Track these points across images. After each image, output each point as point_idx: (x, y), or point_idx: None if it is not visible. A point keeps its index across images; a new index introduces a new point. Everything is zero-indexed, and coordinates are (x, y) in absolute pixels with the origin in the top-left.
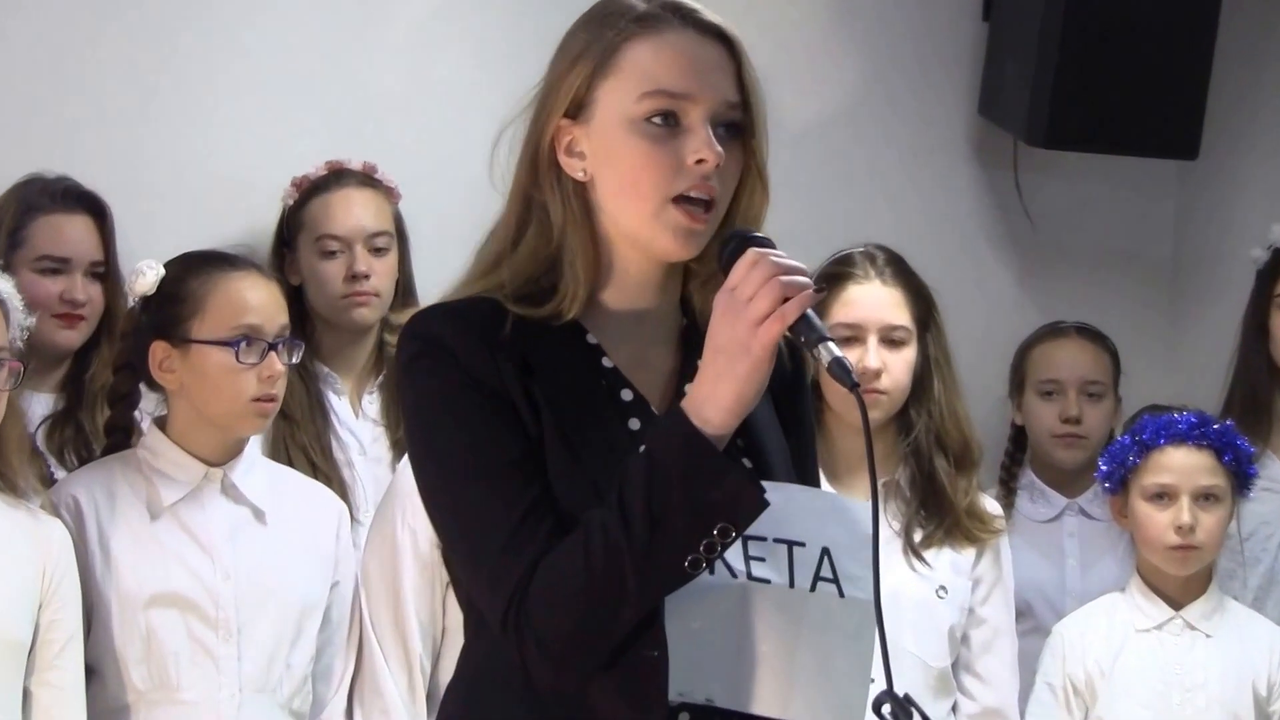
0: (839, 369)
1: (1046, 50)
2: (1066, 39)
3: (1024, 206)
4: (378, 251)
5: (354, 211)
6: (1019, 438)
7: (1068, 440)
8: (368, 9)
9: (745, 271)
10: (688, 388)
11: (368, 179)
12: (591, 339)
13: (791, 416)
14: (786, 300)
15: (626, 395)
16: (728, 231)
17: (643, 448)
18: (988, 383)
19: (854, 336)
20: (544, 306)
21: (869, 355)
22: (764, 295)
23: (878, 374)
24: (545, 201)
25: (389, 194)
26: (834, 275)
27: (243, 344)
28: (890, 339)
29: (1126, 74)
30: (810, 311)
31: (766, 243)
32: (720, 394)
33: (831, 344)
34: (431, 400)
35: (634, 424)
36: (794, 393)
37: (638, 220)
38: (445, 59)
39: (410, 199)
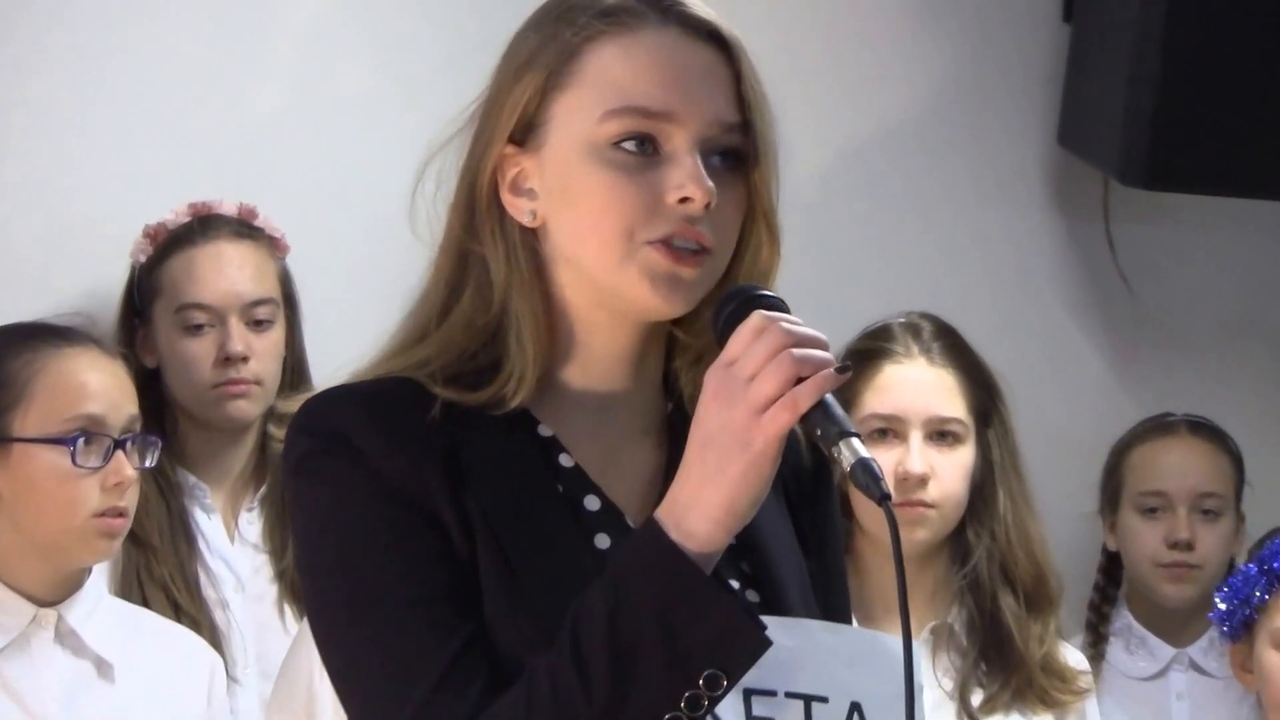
0: (864, 474)
1: (1145, 62)
2: (1171, 47)
3: (1117, 265)
4: (258, 325)
5: (227, 273)
6: (1112, 568)
7: (1176, 571)
8: (246, 6)
9: (748, 341)
10: None
11: (245, 227)
12: (545, 431)
13: (812, 527)
14: (800, 381)
15: (592, 504)
16: (726, 290)
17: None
18: (1071, 495)
19: (892, 431)
20: (482, 390)
21: (911, 456)
22: (771, 373)
23: (923, 481)
24: (484, 254)
25: (273, 246)
26: (867, 352)
27: (80, 441)
28: (940, 435)
29: (1248, 93)
30: (830, 398)
31: (777, 304)
32: (707, 500)
33: (856, 440)
34: (330, 513)
35: (601, 541)
36: (815, 496)
37: (601, 271)
38: (347, 70)
39: (301, 252)
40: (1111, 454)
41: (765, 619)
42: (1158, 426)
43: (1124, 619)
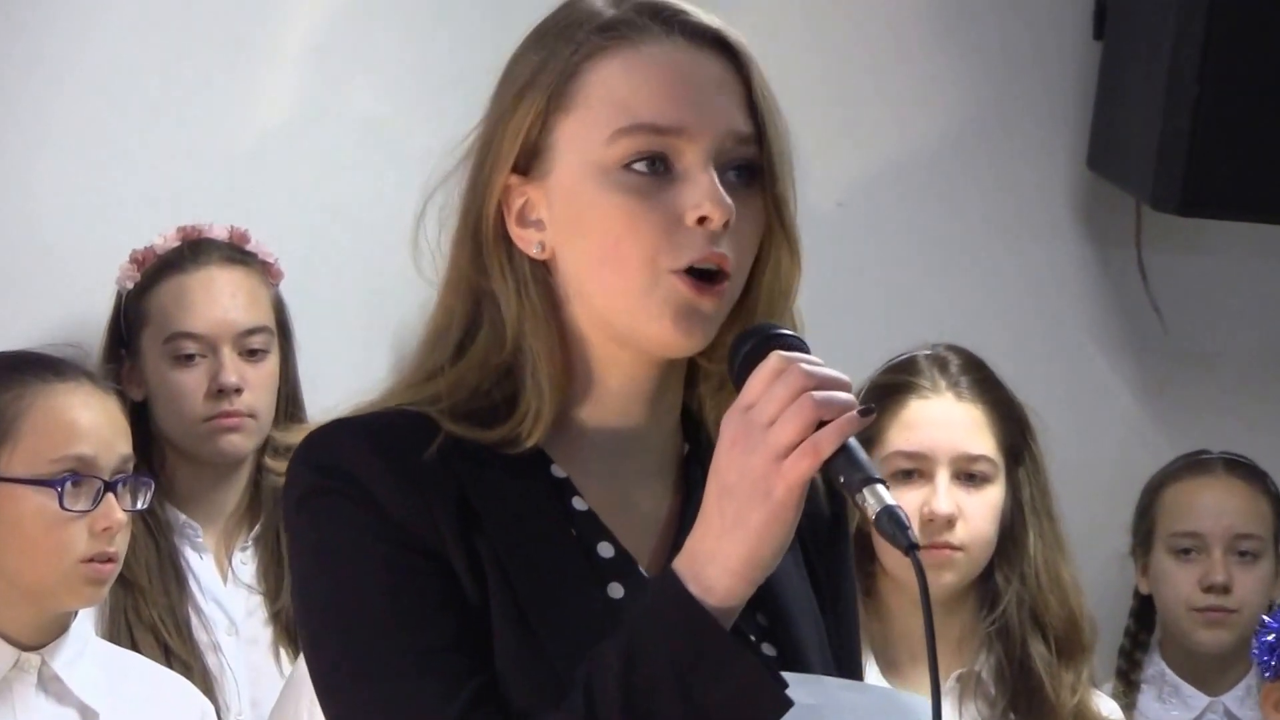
0: (890, 523)
1: (1181, 81)
2: (1208, 65)
3: (1149, 294)
4: (252, 355)
5: (219, 300)
6: (1144, 612)
7: (1211, 615)
8: (239, 21)
9: (766, 384)
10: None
11: (237, 252)
12: (558, 472)
13: (827, 577)
14: (822, 425)
15: (605, 550)
16: (746, 326)
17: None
18: (1101, 536)
19: (918, 470)
20: (496, 428)
21: (938, 496)
22: (791, 418)
23: (950, 522)
24: (494, 291)
25: (266, 272)
26: (891, 387)
27: (68, 483)
28: (968, 474)
29: None
30: (853, 442)
31: (796, 343)
32: (726, 552)
33: (880, 487)
34: (333, 556)
35: (615, 590)
36: (832, 544)
37: (620, 303)
38: (343, 91)
39: (295, 278)
40: (1144, 493)
41: (784, 675)
42: (1192, 464)
43: (1156, 666)
